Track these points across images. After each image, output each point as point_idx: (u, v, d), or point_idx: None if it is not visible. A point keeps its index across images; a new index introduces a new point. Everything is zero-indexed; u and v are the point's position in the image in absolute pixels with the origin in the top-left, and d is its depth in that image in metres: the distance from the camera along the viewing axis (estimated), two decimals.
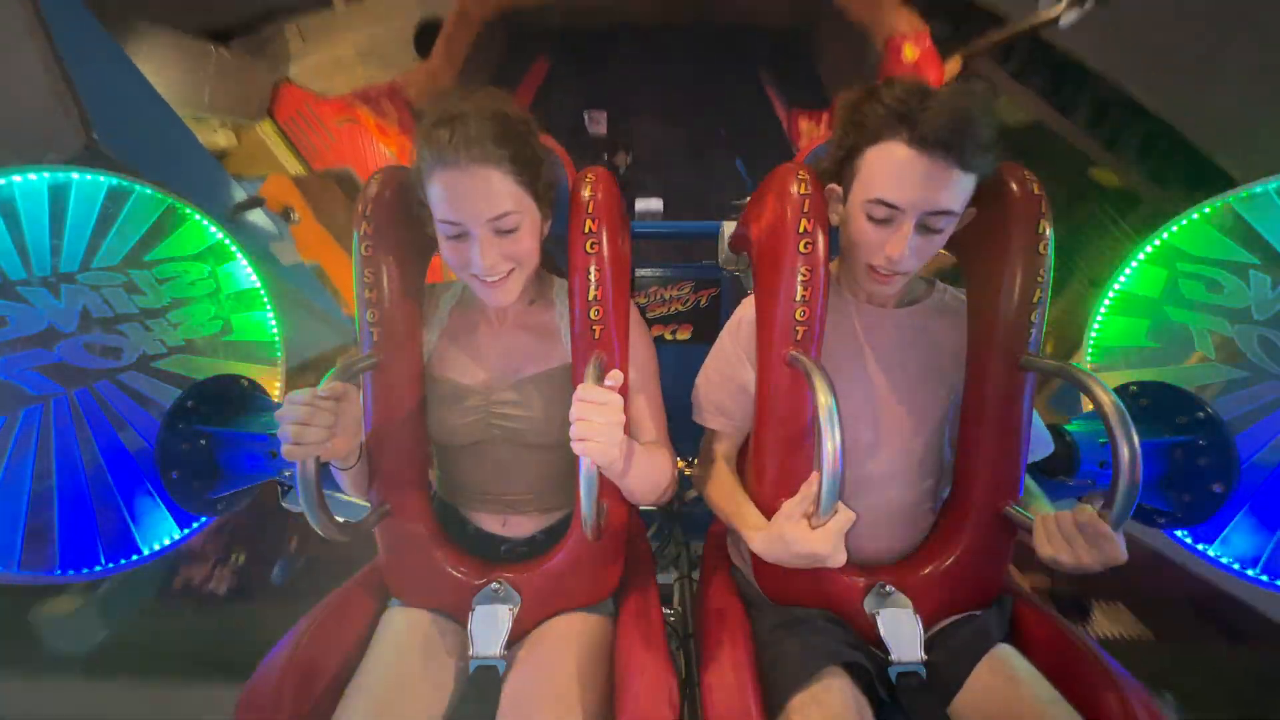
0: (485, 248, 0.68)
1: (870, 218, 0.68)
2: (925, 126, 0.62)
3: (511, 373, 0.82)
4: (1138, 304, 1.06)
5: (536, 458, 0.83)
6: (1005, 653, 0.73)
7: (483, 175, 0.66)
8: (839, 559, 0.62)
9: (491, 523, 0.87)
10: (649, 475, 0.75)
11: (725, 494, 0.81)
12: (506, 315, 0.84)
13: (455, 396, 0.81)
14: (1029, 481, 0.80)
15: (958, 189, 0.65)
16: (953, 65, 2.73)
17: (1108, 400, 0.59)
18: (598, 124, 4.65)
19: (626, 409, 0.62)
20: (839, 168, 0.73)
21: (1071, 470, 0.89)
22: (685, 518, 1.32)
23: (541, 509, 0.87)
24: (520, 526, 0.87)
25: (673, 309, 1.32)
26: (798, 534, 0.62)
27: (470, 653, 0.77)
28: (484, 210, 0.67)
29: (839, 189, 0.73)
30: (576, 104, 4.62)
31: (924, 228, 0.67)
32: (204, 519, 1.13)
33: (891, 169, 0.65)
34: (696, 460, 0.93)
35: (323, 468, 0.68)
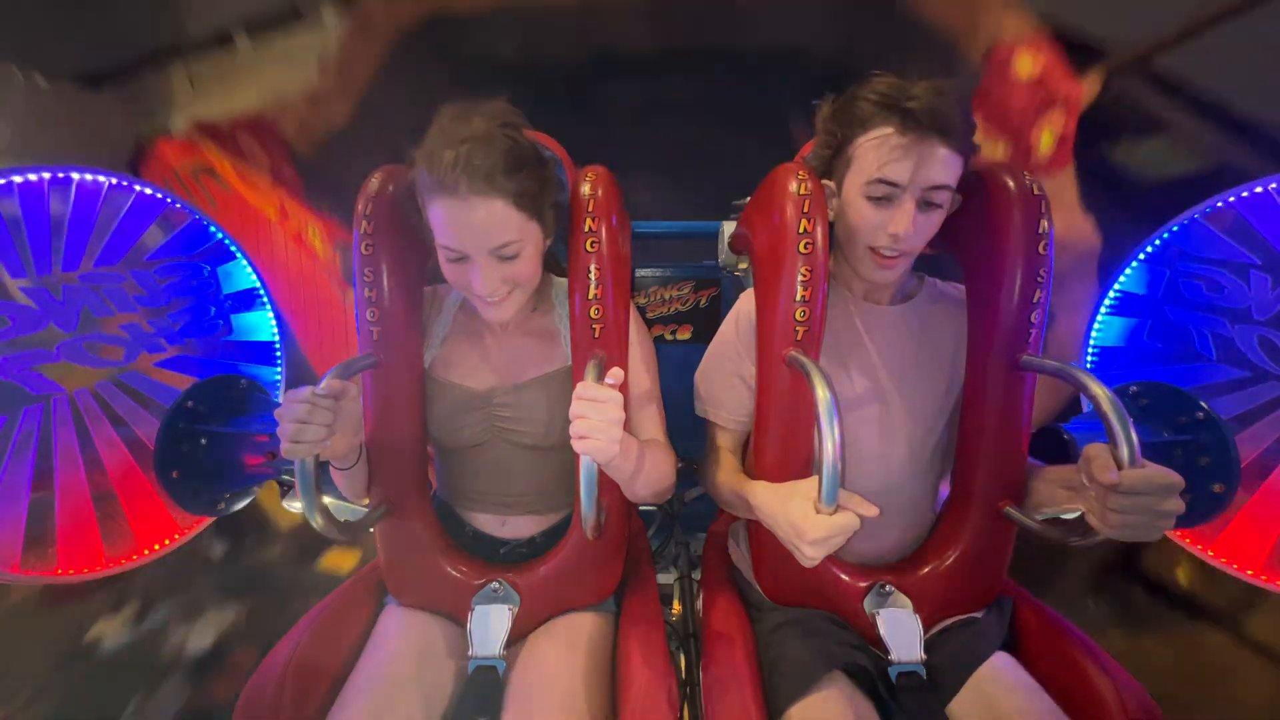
0: (486, 273, 0.68)
1: (871, 198, 0.70)
2: (913, 109, 0.66)
3: (513, 377, 0.82)
4: (1138, 304, 1.07)
5: (537, 459, 0.83)
6: (1003, 662, 0.73)
7: (486, 207, 0.64)
8: (815, 554, 0.58)
9: (490, 524, 0.87)
10: (649, 473, 0.75)
11: (729, 475, 0.80)
12: (509, 320, 0.84)
13: (458, 400, 0.81)
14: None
15: (950, 165, 0.69)
16: (1092, 84, 1.75)
17: (1107, 400, 0.59)
18: None
19: (626, 408, 0.62)
20: (828, 164, 0.76)
21: None
22: (685, 517, 1.32)
23: (541, 510, 0.87)
24: (519, 528, 0.87)
25: (673, 309, 1.32)
26: (801, 504, 0.60)
27: (469, 653, 0.77)
28: (485, 240, 0.66)
29: (831, 184, 0.75)
30: None
31: (924, 203, 0.69)
32: (204, 519, 1.13)
33: (887, 150, 0.68)
34: (698, 459, 0.92)
35: (322, 467, 0.68)
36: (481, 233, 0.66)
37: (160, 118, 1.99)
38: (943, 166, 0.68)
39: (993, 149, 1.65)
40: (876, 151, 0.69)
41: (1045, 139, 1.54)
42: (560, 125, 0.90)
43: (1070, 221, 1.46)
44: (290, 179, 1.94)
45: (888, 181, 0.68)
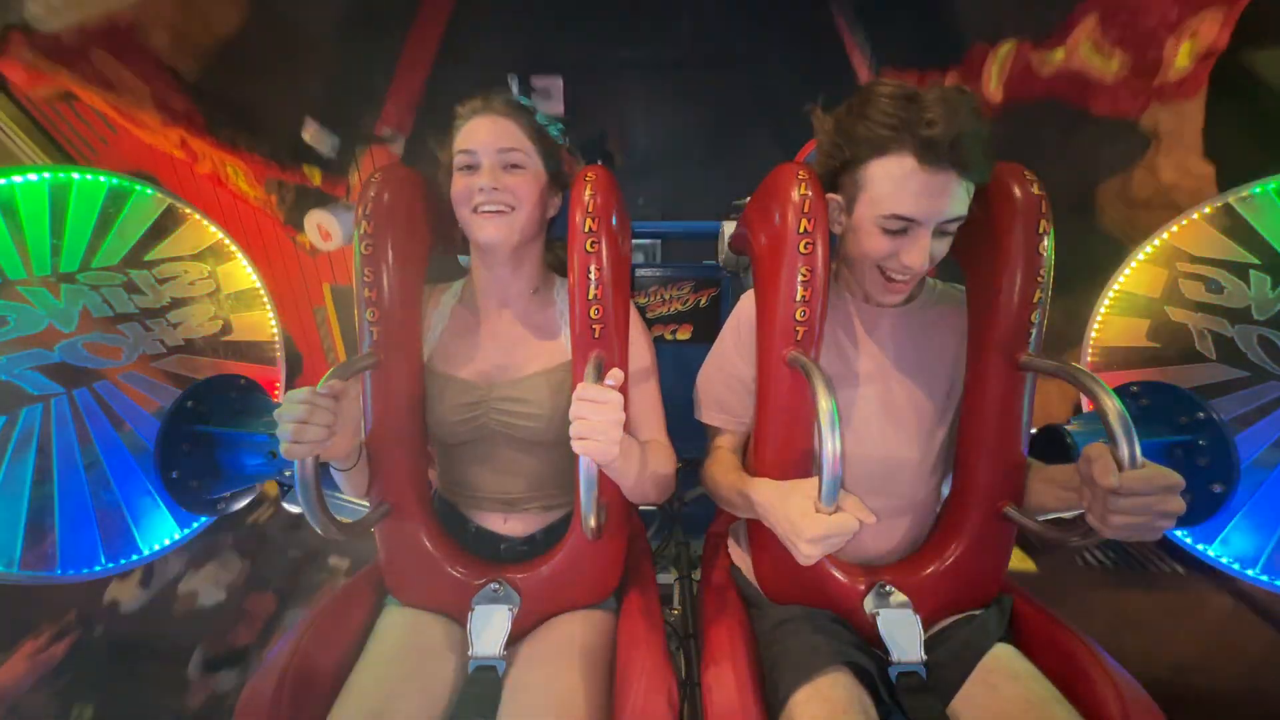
0: (489, 172, 0.76)
1: (885, 230, 0.68)
2: (930, 140, 0.63)
3: (512, 369, 0.82)
4: (1138, 304, 1.07)
5: (536, 455, 0.84)
6: (1005, 652, 0.73)
7: (504, 121, 0.78)
8: (812, 553, 0.58)
9: (491, 520, 0.87)
10: (649, 474, 0.75)
11: (730, 474, 0.79)
12: (507, 310, 0.84)
13: (456, 392, 0.81)
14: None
15: (965, 196, 0.67)
16: None
17: (1108, 400, 0.59)
18: (548, 97, 2.64)
19: (626, 408, 0.62)
20: (835, 178, 0.73)
21: None
22: (685, 518, 1.32)
23: (541, 507, 0.87)
24: (520, 525, 0.87)
25: (673, 309, 1.32)
26: (801, 503, 0.60)
27: (470, 653, 0.77)
28: (495, 141, 0.77)
29: (839, 199, 0.73)
30: (511, 63, 2.58)
31: (938, 233, 0.68)
32: (204, 519, 1.13)
33: (902, 183, 0.66)
34: (698, 459, 0.92)
35: (322, 468, 0.68)
36: (494, 135, 0.77)
37: (12, 8, 1.27)
38: (959, 200, 0.66)
39: (1105, 64, 1.19)
40: (893, 182, 0.66)
41: (1183, 53, 1.10)
42: None
43: (1185, 165, 1.11)
44: (185, 110, 1.39)
45: (905, 217, 0.66)
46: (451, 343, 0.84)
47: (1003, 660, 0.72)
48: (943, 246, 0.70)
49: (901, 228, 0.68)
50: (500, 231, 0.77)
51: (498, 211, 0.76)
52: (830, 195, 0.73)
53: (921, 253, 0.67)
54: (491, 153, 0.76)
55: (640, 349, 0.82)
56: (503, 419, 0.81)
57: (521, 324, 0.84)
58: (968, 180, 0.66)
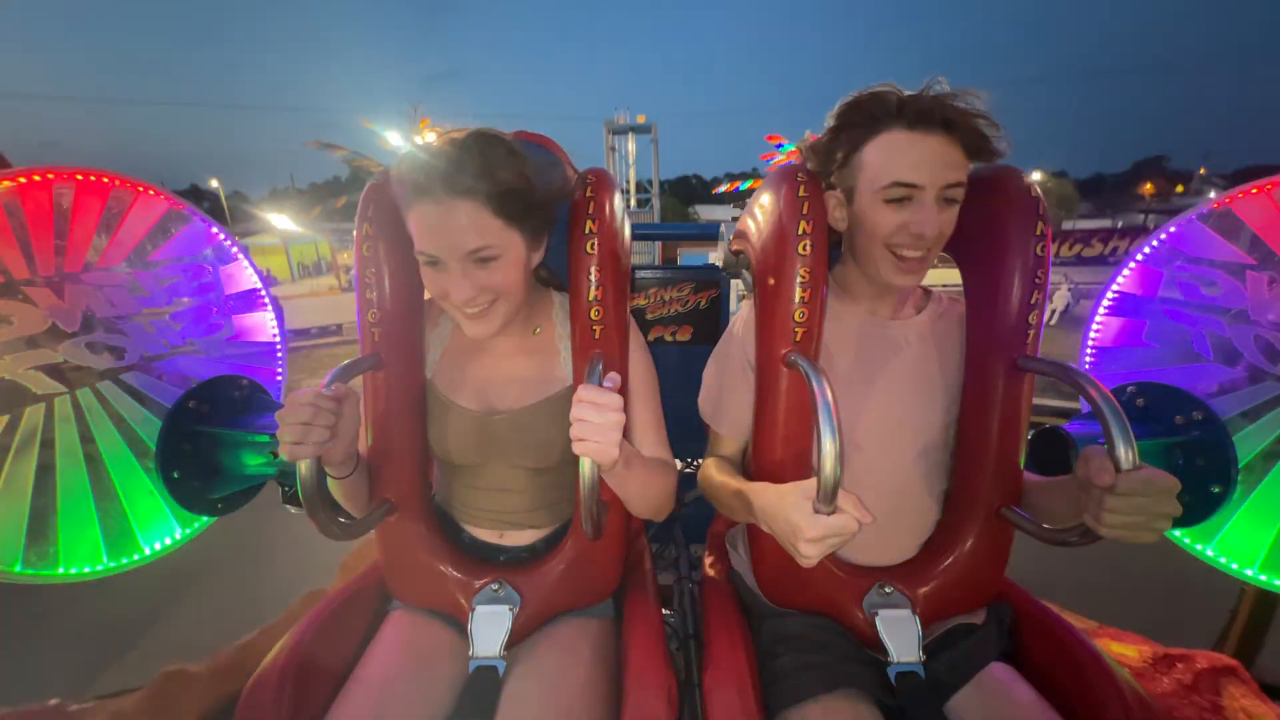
0: (462, 279, 0.66)
1: (889, 201, 0.69)
2: (918, 108, 0.66)
3: (513, 400, 0.81)
4: (1136, 304, 1.07)
5: (536, 478, 0.83)
6: (1004, 674, 0.72)
7: (459, 209, 0.63)
8: (812, 554, 0.58)
9: (488, 535, 0.87)
10: (649, 485, 0.74)
11: (728, 479, 0.79)
12: (506, 338, 0.82)
13: (456, 420, 0.81)
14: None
15: (963, 161, 0.68)
16: None
17: (1104, 401, 0.59)
18: None
19: (625, 410, 0.62)
20: (834, 174, 0.74)
21: (1069, 471, 0.89)
22: (685, 520, 1.32)
23: (540, 523, 0.87)
24: (518, 538, 0.87)
25: (672, 310, 1.32)
26: (800, 504, 0.59)
27: (470, 653, 0.77)
28: (459, 244, 0.64)
29: (839, 194, 0.74)
30: None
31: (942, 201, 0.68)
32: (205, 519, 1.14)
33: (898, 153, 0.67)
34: (698, 460, 0.92)
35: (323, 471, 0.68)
36: (455, 235, 0.64)
37: None
38: (956, 164, 0.68)
39: None
40: (888, 155, 0.68)
41: None
42: None
43: None
44: None
45: (906, 183, 0.67)
46: (451, 367, 0.83)
47: (1002, 684, 0.71)
48: (949, 218, 0.70)
49: (904, 195, 0.68)
50: (488, 327, 0.72)
51: (480, 310, 0.70)
52: (829, 192, 0.74)
53: (930, 219, 0.67)
54: (456, 255, 0.65)
55: (639, 365, 0.81)
56: (501, 446, 0.80)
57: (521, 352, 0.82)
58: (963, 151, 0.67)
